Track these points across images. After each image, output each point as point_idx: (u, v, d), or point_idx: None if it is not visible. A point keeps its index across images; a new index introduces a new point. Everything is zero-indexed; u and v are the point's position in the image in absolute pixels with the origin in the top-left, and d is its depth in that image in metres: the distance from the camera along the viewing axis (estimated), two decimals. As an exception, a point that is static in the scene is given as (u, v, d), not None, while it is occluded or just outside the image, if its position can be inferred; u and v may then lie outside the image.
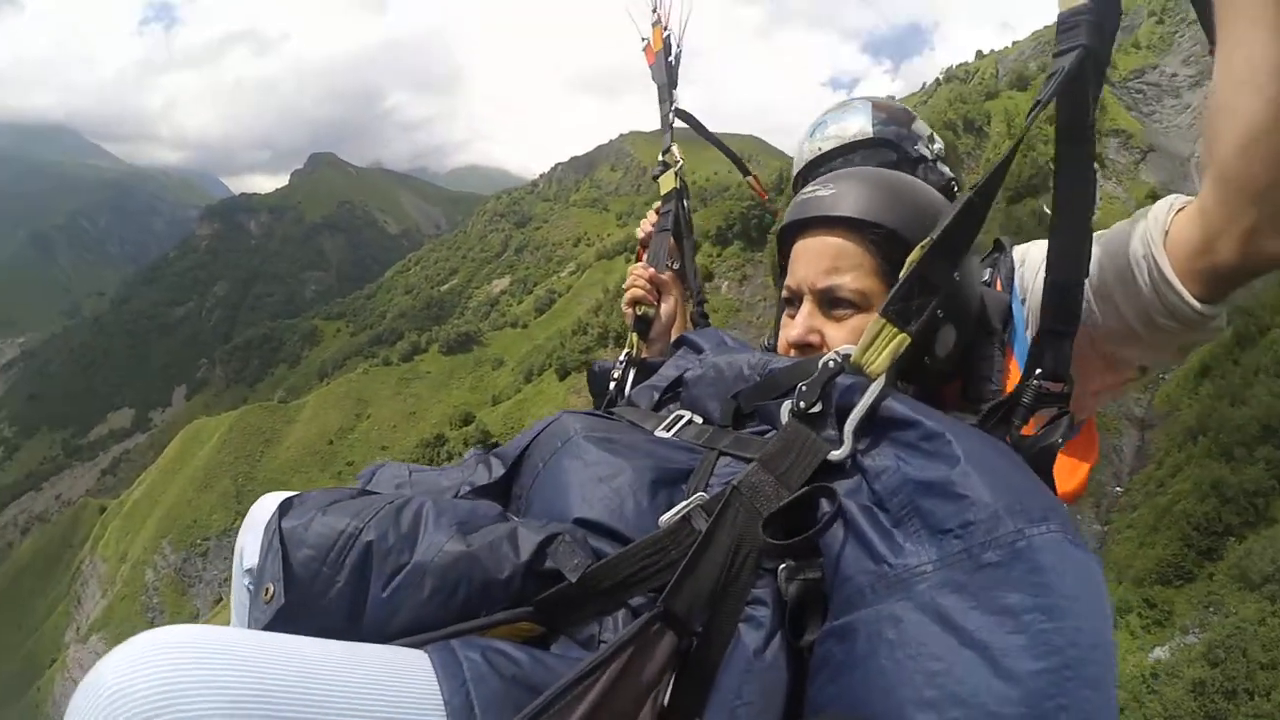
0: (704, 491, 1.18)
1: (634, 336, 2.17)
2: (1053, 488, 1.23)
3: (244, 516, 1.43)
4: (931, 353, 1.38)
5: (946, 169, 2.14)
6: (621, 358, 2.05)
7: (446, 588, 1.08)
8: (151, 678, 0.80)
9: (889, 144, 2.09)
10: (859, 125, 2.12)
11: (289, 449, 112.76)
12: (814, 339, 1.49)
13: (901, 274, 1.22)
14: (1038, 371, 1.25)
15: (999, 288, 1.61)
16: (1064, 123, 1.21)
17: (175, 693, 0.79)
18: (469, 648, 1.00)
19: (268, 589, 1.10)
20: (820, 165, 2.12)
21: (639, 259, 2.53)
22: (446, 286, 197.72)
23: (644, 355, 2.09)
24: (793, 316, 1.58)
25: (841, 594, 1.02)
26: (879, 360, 1.17)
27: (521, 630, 1.08)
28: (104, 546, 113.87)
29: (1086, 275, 1.25)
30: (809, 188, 1.60)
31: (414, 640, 1.04)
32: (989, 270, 1.66)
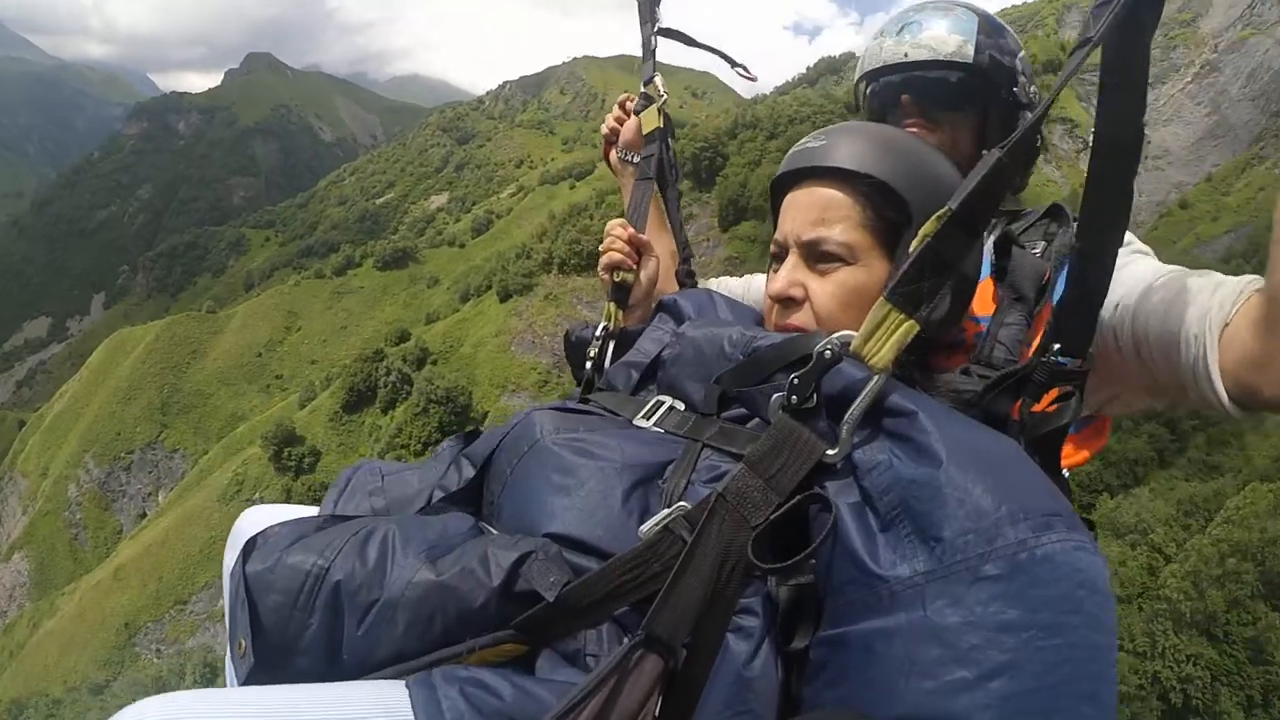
0: (685, 495, 1.12)
1: (611, 306, 1.95)
2: (1058, 469, 1.20)
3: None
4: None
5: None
6: (599, 329, 1.90)
7: (421, 621, 1.05)
8: None
9: (987, 77, 1.78)
10: (958, 42, 1.78)
11: (216, 360, 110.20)
12: (796, 293, 1.42)
13: (911, 248, 1.09)
14: (1055, 347, 1.17)
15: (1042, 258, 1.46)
16: (1110, 64, 1.07)
17: None
18: (449, 682, 0.98)
19: (240, 643, 1.08)
20: (895, 73, 1.86)
21: (605, 156, 2.35)
22: (382, 200, 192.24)
23: (623, 325, 1.92)
24: (778, 271, 1.50)
25: (832, 602, 1.00)
26: (884, 351, 1.06)
27: (504, 652, 1.05)
28: (24, 461, 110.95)
29: (1120, 244, 1.16)
30: (802, 141, 1.52)
31: (396, 671, 1.04)
32: (1041, 244, 1.52)
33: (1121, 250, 1.36)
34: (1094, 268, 1.16)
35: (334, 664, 1.06)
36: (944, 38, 1.79)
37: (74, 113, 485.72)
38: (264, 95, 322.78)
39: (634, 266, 1.96)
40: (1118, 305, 1.37)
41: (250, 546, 1.15)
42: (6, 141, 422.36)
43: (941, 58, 1.79)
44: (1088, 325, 1.18)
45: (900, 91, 1.84)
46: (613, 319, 1.90)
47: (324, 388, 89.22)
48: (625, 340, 1.79)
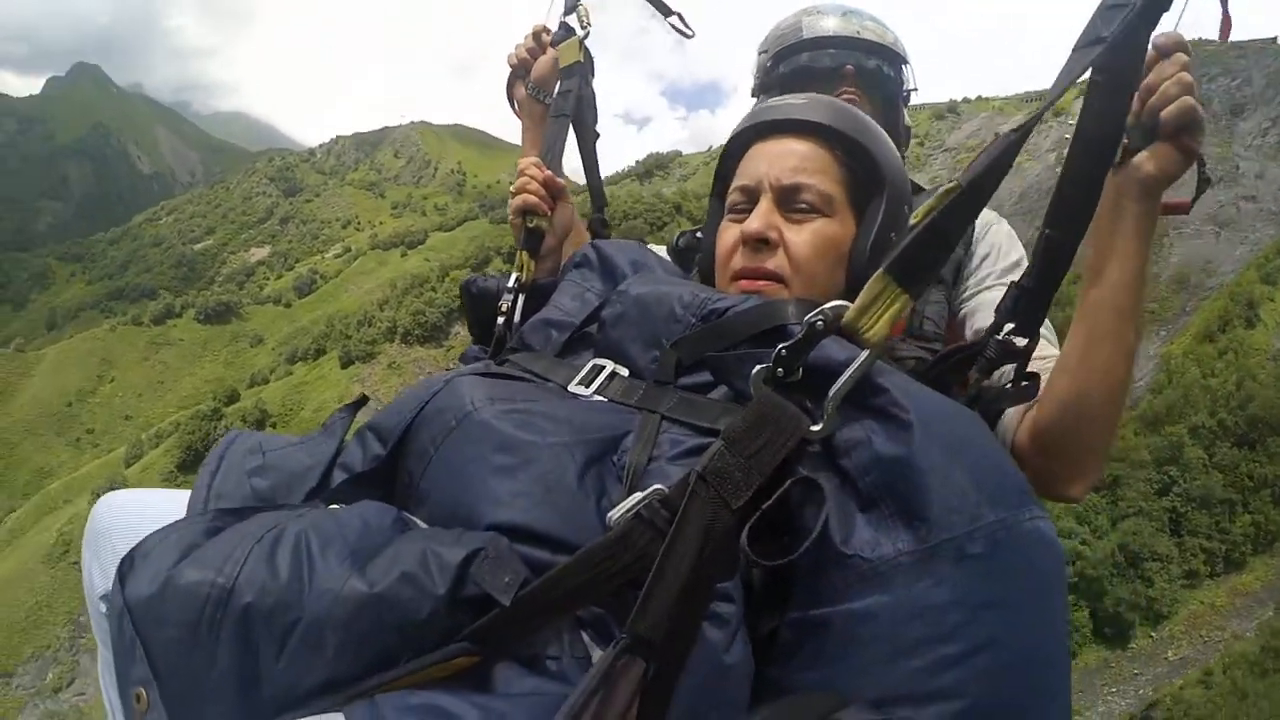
0: (649, 474, 1.04)
1: (524, 255, 1.77)
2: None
3: None
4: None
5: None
6: (511, 281, 1.73)
7: (354, 641, 0.89)
8: None
9: (898, 72, 2.08)
10: (893, 38, 2.07)
11: (23, 406, 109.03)
12: (773, 235, 1.37)
13: (915, 220, 1.07)
14: (1009, 326, 1.21)
15: None
16: (1105, 64, 1.13)
17: None
18: (399, 711, 0.84)
19: (139, 695, 0.90)
20: (844, 46, 2.02)
21: (509, 91, 2.20)
22: (200, 246, 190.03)
23: (534, 278, 1.76)
24: (738, 221, 1.44)
25: (808, 583, 0.96)
26: (878, 325, 1.03)
27: (456, 665, 0.91)
28: None
29: (1082, 237, 1.21)
30: (771, 101, 1.52)
31: (330, 702, 0.87)
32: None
33: (1001, 264, 1.67)
34: (1058, 256, 1.20)
35: (252, 704, 0.88)
36: (883, 30, 2.06)
37: None
38: (84, 111, 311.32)
39: (548, 212, 1.83)
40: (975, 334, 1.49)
41: (128, 565, 0.96)
42: None
43: (885, 44, 2.05)
44: (1042, 308, 1.24)
45: (844, 62, 2.00)
46: (525, 269, 1.76)
47: (153, 444, 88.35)
48: (539, 294, 1.67)
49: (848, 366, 1.01)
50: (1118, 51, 1.11)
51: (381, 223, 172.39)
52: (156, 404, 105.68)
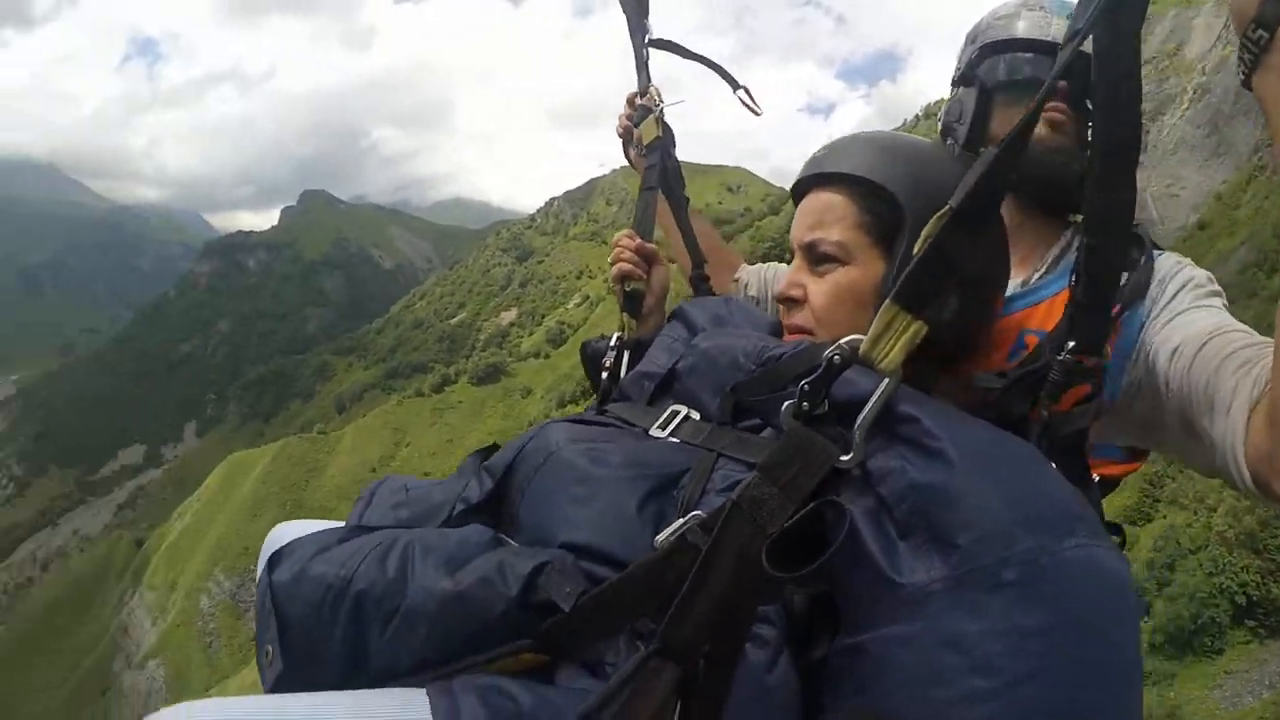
0: (700, 504, 1.12)
1: (625, 316, 1.94)
2: (1085, 474, 1.17)
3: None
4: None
5: None
6: (613, 339, 1.89)
7: (440, 629, 1.06)
8: None
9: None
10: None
11: (333, 477, 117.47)
12: (796, 293, 1.42)
13: (915, 249, 1.08)
14: (1070, 344, 1.16)
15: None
16: (1102, 58, 1.10)
17: None
18: (467, 690, 0.99)
19: (267, 651, 1.12)
20: (1034, 50, 1.72)
21: (626, 156, 2.36)
22: (455, 320, 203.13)
23: (637, 335, 1.91)
24: None
25: (851, 611, 0.99)
26: (892, 353, 1.06)
27: (525, 661, 1.05)
28: (150, 577, 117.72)
29: (1124, 239, 1.17)
30: (819, 149, 1.50)
31: (418, 680, 1.04)
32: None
33: (1195, 291, 1.46)
34: (1101, 263, 1.16)
35: (359, 672, 1.08)
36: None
37: (136, 254, 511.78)
38: (322, 230, 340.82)
39: (644, 276, 1.97)
40: (1176, 352, 1.34)
41: (276, 558, 1.19)
42: (76, 283, 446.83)
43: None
44: (1101, 321, 1.18)
45: (1041, 74, 1.71)
46: (626, 329, 1.91)
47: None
48: (641, 350, 1.78)
49: (871, 396, 1.04)
50: (1107, 43, 1.08)
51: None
52: (449, 460, 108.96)
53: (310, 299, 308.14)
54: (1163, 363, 1.36)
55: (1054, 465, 1.04)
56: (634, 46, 2.30)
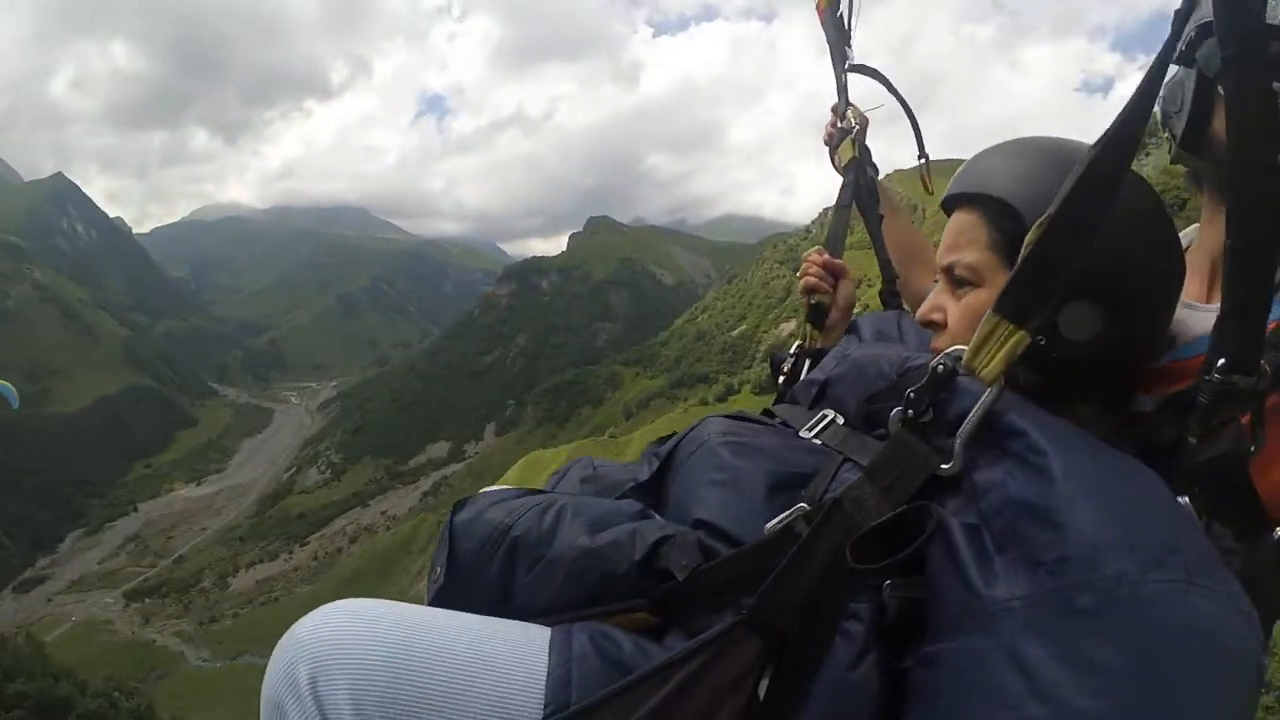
0: (815, 500, 1.17)
1: (808, 327, 2.06)
2: (1252, 515, 1.08)
3: None
4: (1059, 338, 1.16)
5: None
6: (794, 348, 2.01)
7: (574, 578, 1.20)
8: (324, 635, 1.06)
9: None
10: None
11: None
12: (937, 316, 1.42)
13: (1019, 259, 1.07)
14: (1220, 362, 1.05)
15: None
16: (1223, 34, 1.01)
17: (340, 645, 1.05)
18: (583, 630, 1.13)
19: (436, 570, 1.33)
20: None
21: (833, 164, 2.42)
22: (736, 332, 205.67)
23: (819, 345, 2.02)
24: None
25: (936, 620, 0.99)
26: (994, 364, 1.05)
27: (638, 620, 1.17)
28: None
29: (1274, 235, 1.02)
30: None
31: (548, 620, 1.19)
32: None
33: None
34: (1251, 265, 1.03)
35: (504, 604, 1.24)
36: None
37: (442, 280, 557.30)
38: (607, 252, 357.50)
39: (830, 290, 2.07)
40: None
41: (461, 504, 1.40)
42: (391, 305, 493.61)
43: None
44: (1254, 334, 1.05)
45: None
46: (808, 338, 2.04)
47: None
48: (820, 359, 1.87)
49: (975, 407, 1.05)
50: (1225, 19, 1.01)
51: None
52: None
53: (599, 315, 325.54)
54: None
55: (1187, 498, 0.99)
56: (835, 71, 2.41)
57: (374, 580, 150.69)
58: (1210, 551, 0.90)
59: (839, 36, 2.39)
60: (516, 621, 1.20)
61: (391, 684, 1.03)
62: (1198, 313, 1.24)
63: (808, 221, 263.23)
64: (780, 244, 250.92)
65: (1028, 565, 0.90)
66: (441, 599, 1.27)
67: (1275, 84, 0.98)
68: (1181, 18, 1.05)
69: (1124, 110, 1.02)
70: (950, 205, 1.43)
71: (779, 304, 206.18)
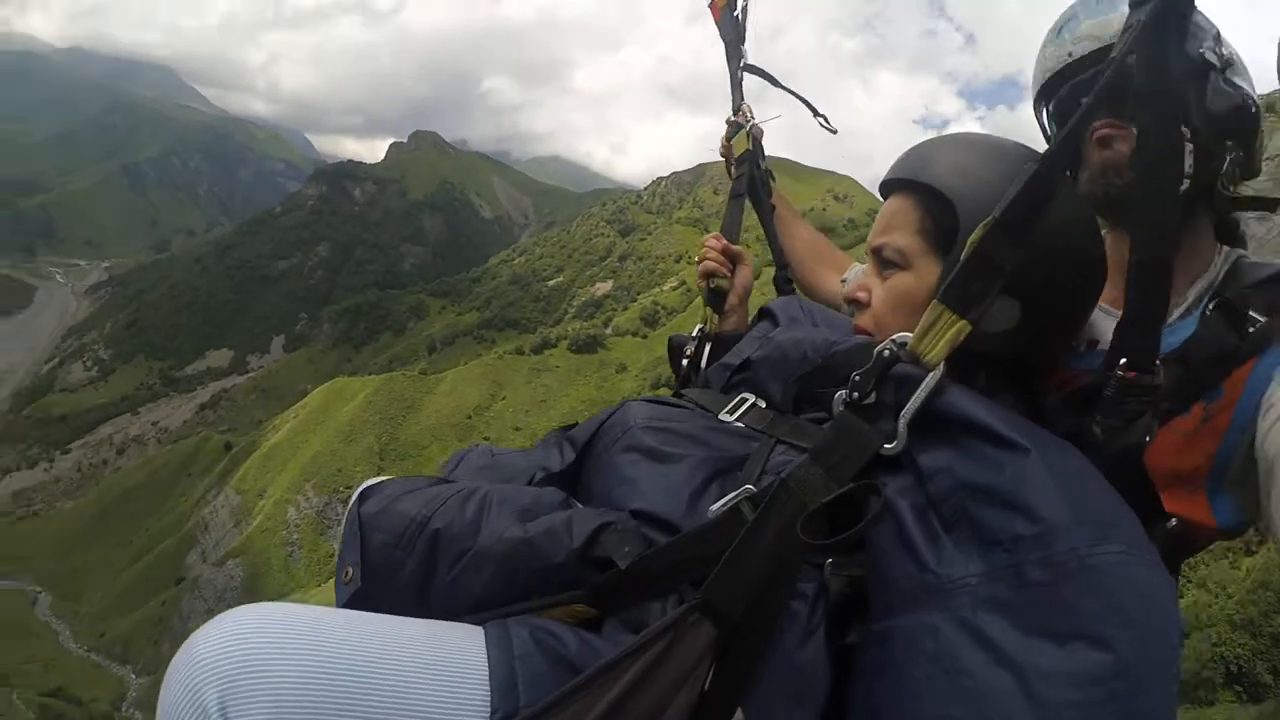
0: (753, 483, 1.17)
1: (707, 310, 2.07)
2: (1149, 502, 1.20)
3: (386, 473, 1.47)
4: (977, 329, 1.16)
5: (1243, 83, 1.41)
6: (695, 332, 2.03)
7: (505, 572, 1.14)
8: (232, 651, 0.91)
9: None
10: (1122, 20, 1.26)
11: (429, 417, 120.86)
12: (861, 296, 1.44)
13: (962, 255, 1.14)
14: (1122, 361, 1.18)
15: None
16: (1140, 84, 1.16)
17: (252, 662, 0.90)
18: (521, 626, 1.06)
19: (347, 571, 1.20)
20: (1069, 77, 1.56)
21: (728, 172, 2.50)
22: (553, 283, 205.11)
23: (719, 329, 2.05)
24: None
25: (883, 596, 1.02)
26: (936, 349, 1.11)
27: (575, 612, 1.12)
28: (239, 481, 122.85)
29: (1172, 255, 1.17)
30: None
31: (476, 619, 1.11)
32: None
33: None
34: (1148, 278, 1.17)
35: (423, 604, 1.16)
36: (1106, 20, 1.48)
37: (239, 164, 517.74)
38: (429, 171, 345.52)
39: (728, 274, 2.10)
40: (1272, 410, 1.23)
41: (367, 493, 1.29)
42: (180, 183, 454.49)
43: (1108, 42, 1.46)
44: (1150, 338, 1.19)
45: (1078, 96, 1.53)
46: (709, 322, 2.05)
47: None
48: (722, 344, 1.92)
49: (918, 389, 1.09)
50: (1142, 74, 1.16)
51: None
52: (541, 419, 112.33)
53: (409, 236, 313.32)
54: (1263, 424, 1.25)
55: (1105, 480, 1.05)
56: (730, 70, 2.53)
57: (149, 501, 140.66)
58: (1139, 526, 0.99)
59: (735, 35, 2.53)
60: (443, 622, 1.11)
61: (315, 706, 0.91)
62: (1111, 318, 1.30)
63: (639, 185, 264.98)
64: (610, 201, 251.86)
65: (981, 544, 0.95)
66: (356, 602, 1.17)
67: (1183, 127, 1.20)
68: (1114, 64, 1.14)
69: (1059, 136, 1.18)
70: (888, 190, 1.47)
71: (599, 262, 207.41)
